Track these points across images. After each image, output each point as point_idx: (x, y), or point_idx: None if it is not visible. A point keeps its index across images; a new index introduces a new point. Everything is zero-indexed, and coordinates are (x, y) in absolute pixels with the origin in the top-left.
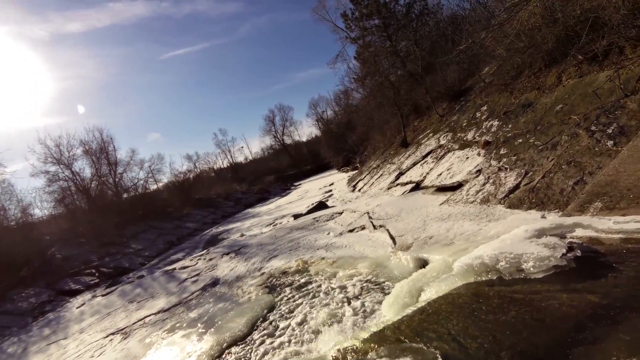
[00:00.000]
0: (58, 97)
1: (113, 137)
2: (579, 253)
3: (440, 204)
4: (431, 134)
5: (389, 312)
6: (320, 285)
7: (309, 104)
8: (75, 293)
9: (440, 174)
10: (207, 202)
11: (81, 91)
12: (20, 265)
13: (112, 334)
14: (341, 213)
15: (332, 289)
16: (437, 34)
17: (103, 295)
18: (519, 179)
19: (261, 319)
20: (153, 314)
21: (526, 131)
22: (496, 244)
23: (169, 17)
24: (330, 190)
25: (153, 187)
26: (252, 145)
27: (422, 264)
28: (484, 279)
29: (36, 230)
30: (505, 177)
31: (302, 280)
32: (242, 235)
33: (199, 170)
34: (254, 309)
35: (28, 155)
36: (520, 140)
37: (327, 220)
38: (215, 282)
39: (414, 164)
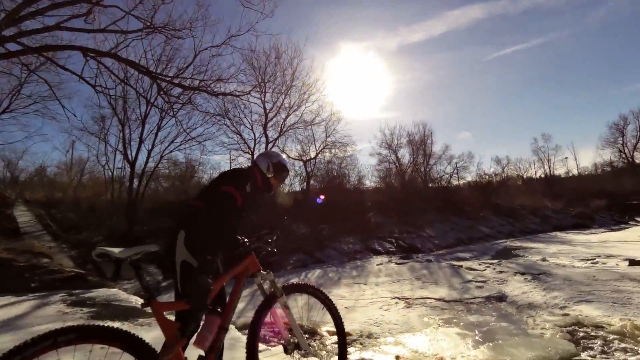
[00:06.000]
0: (395, 96)
1: (433, 131)
2: None
3: None
4: None
5: None
6: None
7: None
8: (377, 253)
9: None
10: (507, 211)
11: (412, 91)
12: (349, 219)
13: (398, 298)
14: None
15: None
16: None
17: (397, 264)
18: None
19: None
20: (434, 298)
21: None
22: None
23: (504, 15)
24: None
25: (455, 182)
26: (581, 157)
27: None
28: None
29: (364, 196)
30: None
31: (627, 348)
32: (544, 259)
33: (505, 176)
34: (547, 349)
35: (371, 139)
36: None
37: None
38: (501, 298)
39: None
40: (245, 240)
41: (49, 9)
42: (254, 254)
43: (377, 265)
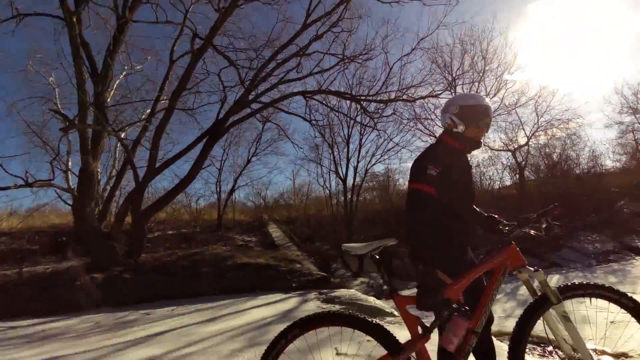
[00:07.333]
0: (625, 42)
1: None
2: None
3: None
4: None
5: None
6: None
7: None
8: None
9: None
10: None
11: None
12: (587, 212)
13: None
14: None
15: None
16: None
17: None
18: None
19: None
20: None
21: None
22: None
23: None
24: None
25: None
26: None
27: None
28: None
29: (604, 181)
30: None
31: None
32: None
33: None
34: None
35: (603, 106)
36: None
37: None
38: None
39: None
40: (504, 224)
41: (273, 71)
42: (515, 244)
43: None
